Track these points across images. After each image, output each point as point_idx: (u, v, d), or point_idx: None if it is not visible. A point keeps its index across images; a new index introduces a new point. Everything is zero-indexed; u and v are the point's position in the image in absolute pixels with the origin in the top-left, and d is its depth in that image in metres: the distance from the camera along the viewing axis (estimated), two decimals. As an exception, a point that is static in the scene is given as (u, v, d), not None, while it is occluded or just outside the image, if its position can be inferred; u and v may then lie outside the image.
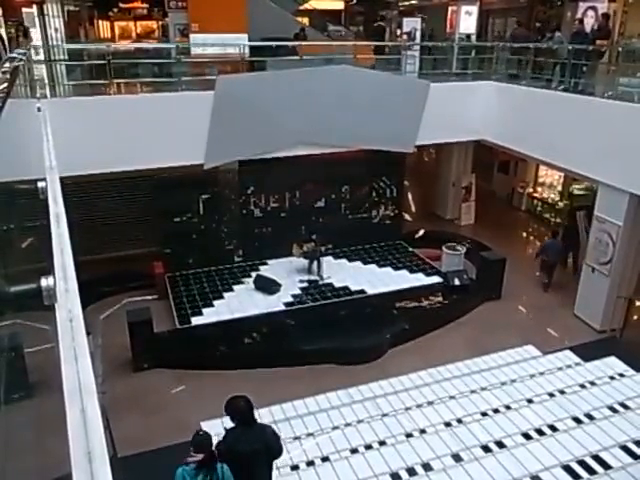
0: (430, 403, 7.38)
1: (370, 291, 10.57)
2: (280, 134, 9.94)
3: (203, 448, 4.20)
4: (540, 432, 6.77)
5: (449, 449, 6.48)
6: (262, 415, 6.93)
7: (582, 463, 6.25)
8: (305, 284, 10.73)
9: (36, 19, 15.37)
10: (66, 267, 1.79)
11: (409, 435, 6.74)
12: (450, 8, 21.06)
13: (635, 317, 9.69)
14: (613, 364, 8.30)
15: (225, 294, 10.40)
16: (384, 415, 7.11)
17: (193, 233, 11.09)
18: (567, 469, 6.16)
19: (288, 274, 11.03)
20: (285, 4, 16.43)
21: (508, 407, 7.28)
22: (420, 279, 11.13)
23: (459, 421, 6.99)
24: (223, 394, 4.74)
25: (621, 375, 8.03)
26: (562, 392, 7.60)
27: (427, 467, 6.20)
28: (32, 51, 8.02)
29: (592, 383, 7.82)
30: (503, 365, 8.34)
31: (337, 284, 10.78)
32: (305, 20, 20.15)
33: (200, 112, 9.25)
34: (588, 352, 8.57)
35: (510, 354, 8.65)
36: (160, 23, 21.67)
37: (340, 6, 28.03)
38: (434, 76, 11.72)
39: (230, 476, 4.23)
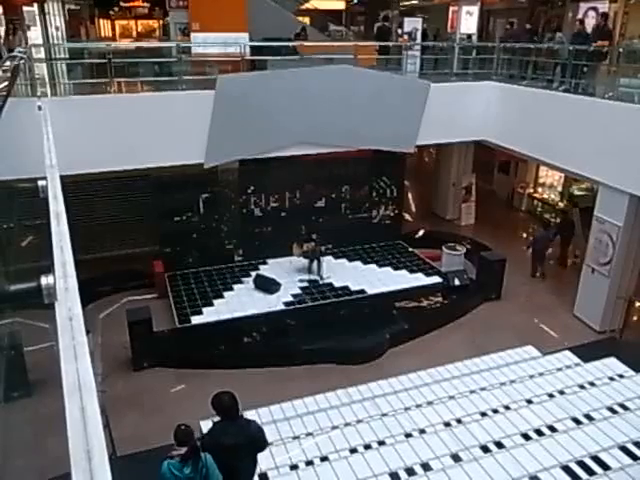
0: (429, 403, 7.37)
1: (370, 291, 10.57)
2: (280, 134, 9.94)
3: (186, 441, 4.36)
4: (539, 432, 6.76)
5: (448, 449, 6.47)
6: (261, 414, 6.94)
7: (581, 464, 6.24)
8: (305, 284, 10.73)
9: (37, 17, 15.41)
10: (66, 265, 1.79)
11: (408, 435, 6.73)
12: (451, 8, 21.09)
13: (635, 318, 9.69)
14: (612, 365, 8.28)
15: (225, 293, 10.40)
16: (383, 415, 7.10)
17: (193, 232, 11.09)
18: (566, 470, 6.15)
19: (288, 274, 11.03)
20: (286, 3, 16.45)
21: (507, 407, 7.27)
22: (420, 279, 11.13)
23: (458, 421, 6.98)
24: (223, 393, 4.74)
25: (620, 376, 8.01)
26: (561, 393, 7.59)
27: (426, 467, 6.19)
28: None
29: (591, 384, 7.81)
30: (502, 365, 8.33)
31: (337, 284, 10.78)
32: (306, 20, 20.17)
33: (201, 111, 9.25)
34: (588, 353, 8.56)
35: (509, 354, 8.65)
36: (161, 22, 21.70)
37: (341, 6, 28.04)
38: (435, 76, 11.72)
39: (213, 463, 4.38)
